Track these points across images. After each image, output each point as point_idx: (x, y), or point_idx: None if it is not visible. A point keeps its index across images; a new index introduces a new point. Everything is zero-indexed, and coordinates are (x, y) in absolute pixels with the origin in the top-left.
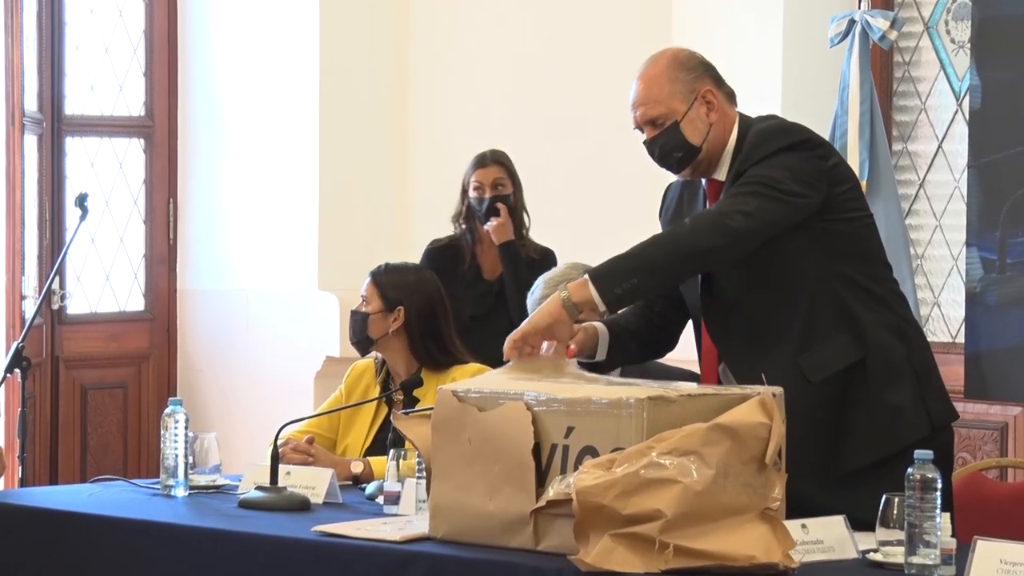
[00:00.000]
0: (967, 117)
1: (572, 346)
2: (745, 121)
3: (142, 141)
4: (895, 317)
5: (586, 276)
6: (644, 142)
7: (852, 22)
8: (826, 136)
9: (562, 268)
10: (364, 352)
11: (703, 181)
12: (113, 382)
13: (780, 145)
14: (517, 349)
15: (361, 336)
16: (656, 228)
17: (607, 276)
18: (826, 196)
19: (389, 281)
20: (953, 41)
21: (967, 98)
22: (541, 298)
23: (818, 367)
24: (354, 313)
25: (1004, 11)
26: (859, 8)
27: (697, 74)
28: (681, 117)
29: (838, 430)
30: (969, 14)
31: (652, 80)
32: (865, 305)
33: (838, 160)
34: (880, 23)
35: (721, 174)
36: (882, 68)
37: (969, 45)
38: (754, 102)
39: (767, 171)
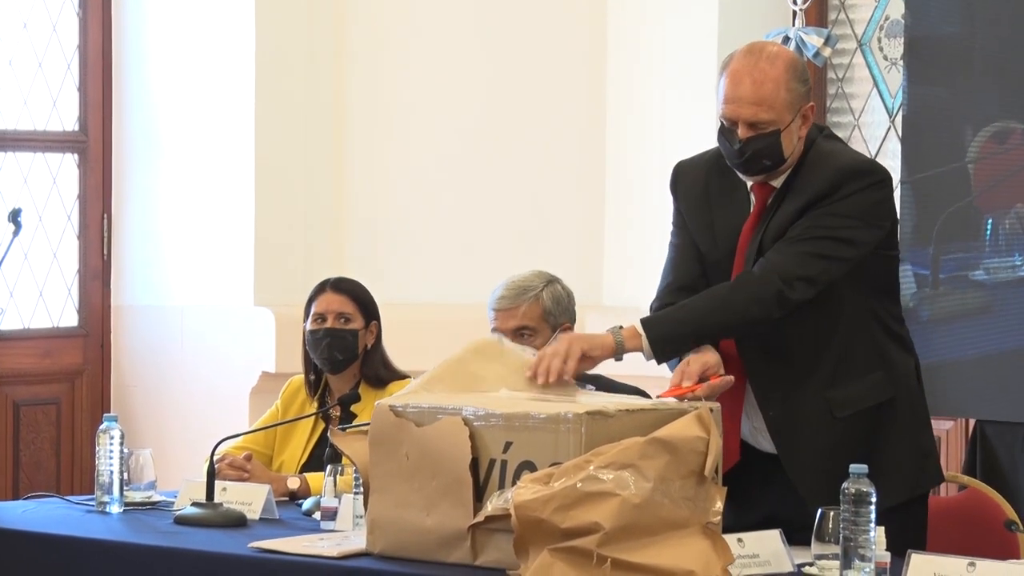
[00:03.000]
0: (900, 133)
1: None
2: (809, 134)
3: (76, 156)
4: (915, 360)
5: (640, 329)
6: (730, 136)
7: (787, 39)
8: None
9: (527, 273)
10: (339, 371)
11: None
12: (46, 398)
13: (859, 187)
14: (547, 367)
15: (350, 354)
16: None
17: (662, 338)
18: None
19: (364, 295)
20: (886, 58)
21: (900, 114)
22: (500, 298)
23: (846, 403)
24: (339, 331)
25: (936, 29)
26: (793, 25)
27: (806, 88)
28: (785, 127)
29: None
30: (901, 31)
31: (770, 83)
32: (896, 344)
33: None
34: (814, 40)
35: (778, 182)
36: (816, 84)
37: (902, 62)
38: (689, 116)
39: (840, 220)
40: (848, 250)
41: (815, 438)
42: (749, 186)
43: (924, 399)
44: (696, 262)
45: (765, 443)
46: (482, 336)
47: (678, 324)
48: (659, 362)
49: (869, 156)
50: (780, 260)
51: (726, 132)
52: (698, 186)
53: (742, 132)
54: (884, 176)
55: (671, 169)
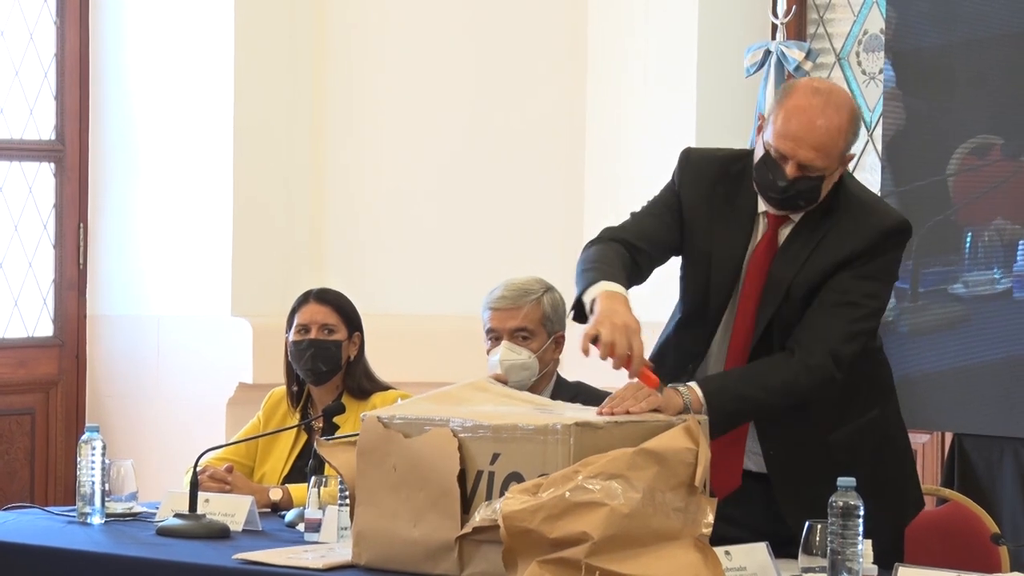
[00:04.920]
0: (877, 147)
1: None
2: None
3: (52, 165)
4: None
5: (703, 399)
6: (775, 169)
7: (768, 52)
8: None
9: (526, 277)
10: (323, 383)
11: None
12: (21, 408)
13: (893, 245)
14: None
15: (333, 365)
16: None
17: (723, 421)
18: None
19: (347, 306)
20: (864, 72)
21: (879, 128)
22: (500, 298)
23: (846, 447)
24: (322, 342)
25: (917, 43)
26: (774, 39)
27: (856, 140)
28: (829, 174)
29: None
30: (880, 46)
31: (835, 131)
32: (886, 371)
33: None
34: (795, 54)
35: (794, 214)
36: None
37: (880, 76)
38: (670, 131)
39: (872, 285)
40: (880, 312)
41: (813, 479)
42: (761, 208)
43: (904, 425)
44: (664, 234)
45: (750, 463)
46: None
47: (737, 399)
48: (715, 435)
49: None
50: (828, 338)
51: (771, 164)
52: (704, 182)
53: (791, 171)
54: (911, 233)
55: (656, 175)
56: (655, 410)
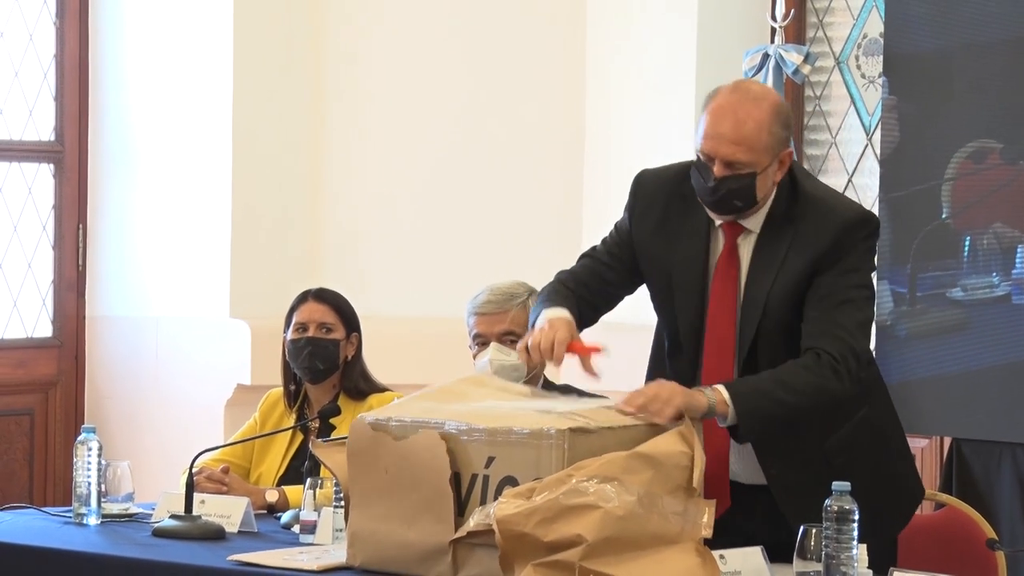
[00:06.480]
0: (877, 151)
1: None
2: (783, 177)
3: (52, 166)
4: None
5: (729, 402)
6: (704, 171)
7: (766, 56)
8: None
9: (509, 282)
10: (320, 381)
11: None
12: (20, 409)
13: (862, 236)
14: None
15: (331, 364)
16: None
17: (754, 424)
18: None
19: (345, 306)
20: (863, 76)
21: (877, 132)
22: (486, 303)
23: (841, 450)
24: (320, 340)
25: (915, 47)
26: (773, 42)
27: (788, 134)
28: (761, 171)
29: (866, 504)
30: (879, 49)
31: (753, 123)
32: (873, 376)
33: None
34: (794, 57)
35: (750, 223)
36: (793, 102)
37: (879, 80)
38: (668, 135)
39: (859, 276)
40: (872, 299)
41: (817, 489)
42: (717, 223)
43: (898, 420)
44: (613, 277)
45: (741, 477)
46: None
47: (774, 404)
48: (742, 440)
49: (847, 172)
50: (843, 336)
51: (701, 167)
52: (658, 205)
53: (718, 170)
54: (876, 224)
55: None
56: (678, 415)
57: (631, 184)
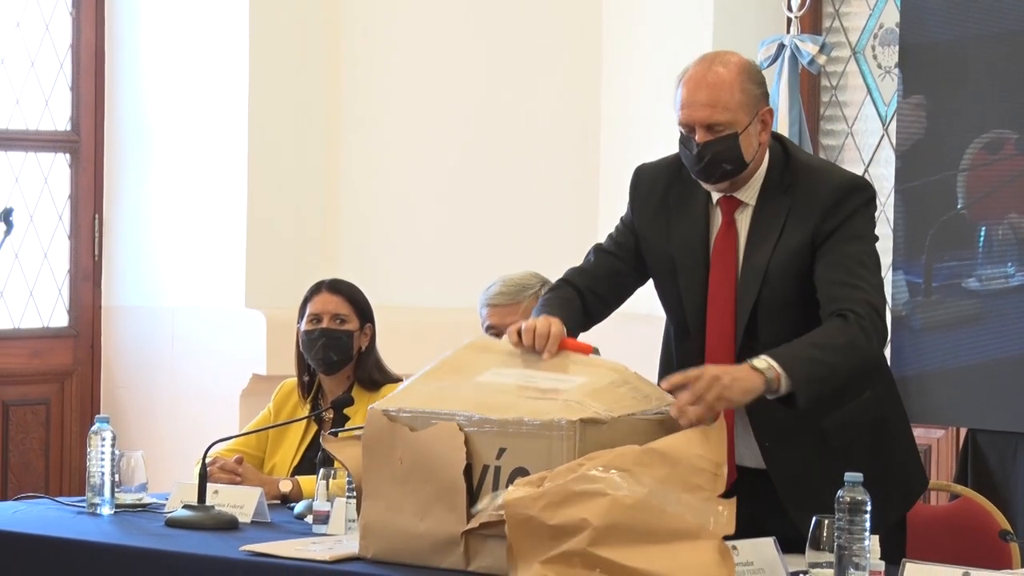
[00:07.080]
0: (893, 141)
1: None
2: (774, 148)
3: (68, 156)
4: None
5: (780, 370)
6: (688, 143)
7: (782, 46)
8: None
9: (522, 273)
10: (334, 372)
11: (702, 184)
12: (36, 399)
13: (860, 203)
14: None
15: (345, 354)
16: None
17: (806, 390)
18: None
19: (359, 297)
20: (880, 66)
21: (893, 123)
22: (498, 294)
23: (840, 430)
24: (334, 331)
25: (930, 38)
26: (788, 33)
27: (762, 90)
28: (742, 129)
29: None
30: (895, 40)
31: (724, 84)
32: (883, 362)
33: None
34: (809, 48)
35: (746, 196)
36: (810, 92)
37: (895, 70)
38: None
39: (865, 246)
40: (879, 266)
41: (812, 470)
42: (715, 200)
43: (903, 405)
44: (621, 268)
45: (747, 460)
46: (478, 337)
47: (828, 376)
48: (802, 407)
49: (863, 163)
50: (864, 297)
51: (684, 140)
52: (656, 194)
53: (699, 136)
54: (872, 191)
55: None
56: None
57: (630, 179)
